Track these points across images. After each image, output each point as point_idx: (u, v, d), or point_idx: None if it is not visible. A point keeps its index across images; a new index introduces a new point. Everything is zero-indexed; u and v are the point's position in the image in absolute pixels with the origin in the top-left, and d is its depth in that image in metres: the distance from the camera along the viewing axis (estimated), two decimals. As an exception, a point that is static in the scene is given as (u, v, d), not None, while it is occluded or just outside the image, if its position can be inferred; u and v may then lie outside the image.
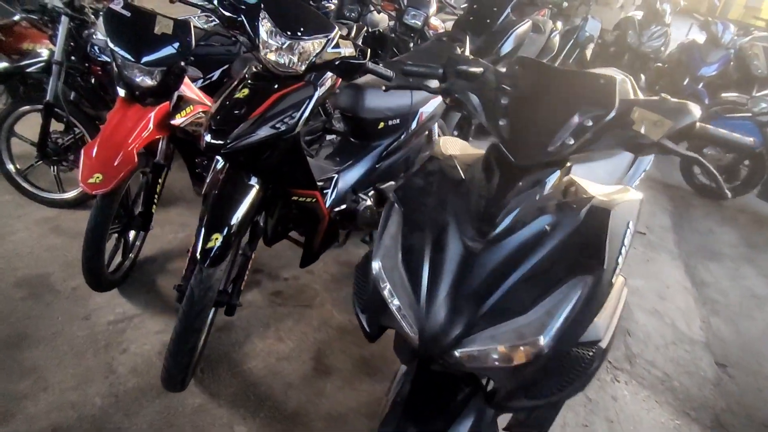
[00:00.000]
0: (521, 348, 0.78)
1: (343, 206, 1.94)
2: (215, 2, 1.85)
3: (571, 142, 0.87)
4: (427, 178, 1.00)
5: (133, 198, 1.98)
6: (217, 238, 1.35)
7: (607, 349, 0.86)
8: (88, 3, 2.25)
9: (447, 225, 0.90)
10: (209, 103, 1.97)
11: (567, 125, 0.88)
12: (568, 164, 0.95)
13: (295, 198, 1.65)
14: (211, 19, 3.23)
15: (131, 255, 2.05)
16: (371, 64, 1.52)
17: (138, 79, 1.70)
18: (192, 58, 1.87)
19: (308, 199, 1.68)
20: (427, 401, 0.98)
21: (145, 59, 1.68)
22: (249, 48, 1.56)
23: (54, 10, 2.11)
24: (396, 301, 0.88)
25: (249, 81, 1.46)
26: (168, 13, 1.80)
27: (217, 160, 1.57)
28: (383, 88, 1.31)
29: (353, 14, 3.58)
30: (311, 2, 3.35)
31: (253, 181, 1.49)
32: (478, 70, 1.03)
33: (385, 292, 0.89)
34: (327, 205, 1.81)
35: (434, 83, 1.11)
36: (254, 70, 1.49)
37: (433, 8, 3.70)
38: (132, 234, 2.05)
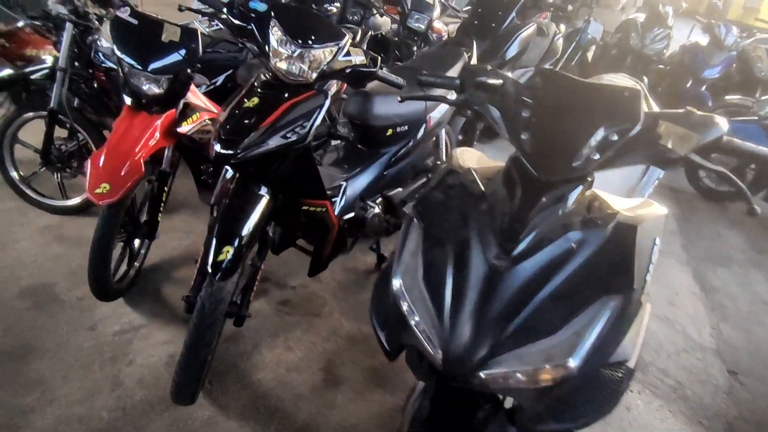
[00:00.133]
0: (549, 370, 0.76)
1: (352, 214, 1.91)
2: (225, 11, 1.83)
3: (597, 156, 0.85)
4: (446, 192, 0.97)
5: (138, 206, 1.95)
6: (228, 251, 1.33)
7: (634, 368, 0.84)
8: (93, 9, 2.23)
9: (469, 241, 0.88)
10: (215, 110, 1.95)
11: (592, 140, 0.86)
12: (590, 179, 0.93)
13: (305, 208, 1.62)
14: (213, 23, 3.20)
15: (136, 263, 2.03)
16: (382, 72, 1.50)
17: (145, 87, 1.68)
18: (198, 65, 1.85)
19: (318, 209, 1.65)
20: (449, 419, 0.96)
21: (152, 67, 1.66)
22: (258, 56, 1.53)
23: (58, 16, 2.09)
24: (417, 319, 0.85)
25: (258, 90, 1.43)
26: (171, 17, 1.78)
27: (226, 170, 1.55)
28: (399, 99, 1.29)
29: (356, 17, 3.56)
30: (314, 6, 3.33)
31: (263, 191, 1.46)
32: (498, 81, 1.01)
33: (406, 310, 0.87)
34: (336, 213, 1.78)
35: (451, 94, 1.10)
36: (263, 78, 1.46)
37: (436, 11, 3.68)
38: (137, 242, 2.02)
